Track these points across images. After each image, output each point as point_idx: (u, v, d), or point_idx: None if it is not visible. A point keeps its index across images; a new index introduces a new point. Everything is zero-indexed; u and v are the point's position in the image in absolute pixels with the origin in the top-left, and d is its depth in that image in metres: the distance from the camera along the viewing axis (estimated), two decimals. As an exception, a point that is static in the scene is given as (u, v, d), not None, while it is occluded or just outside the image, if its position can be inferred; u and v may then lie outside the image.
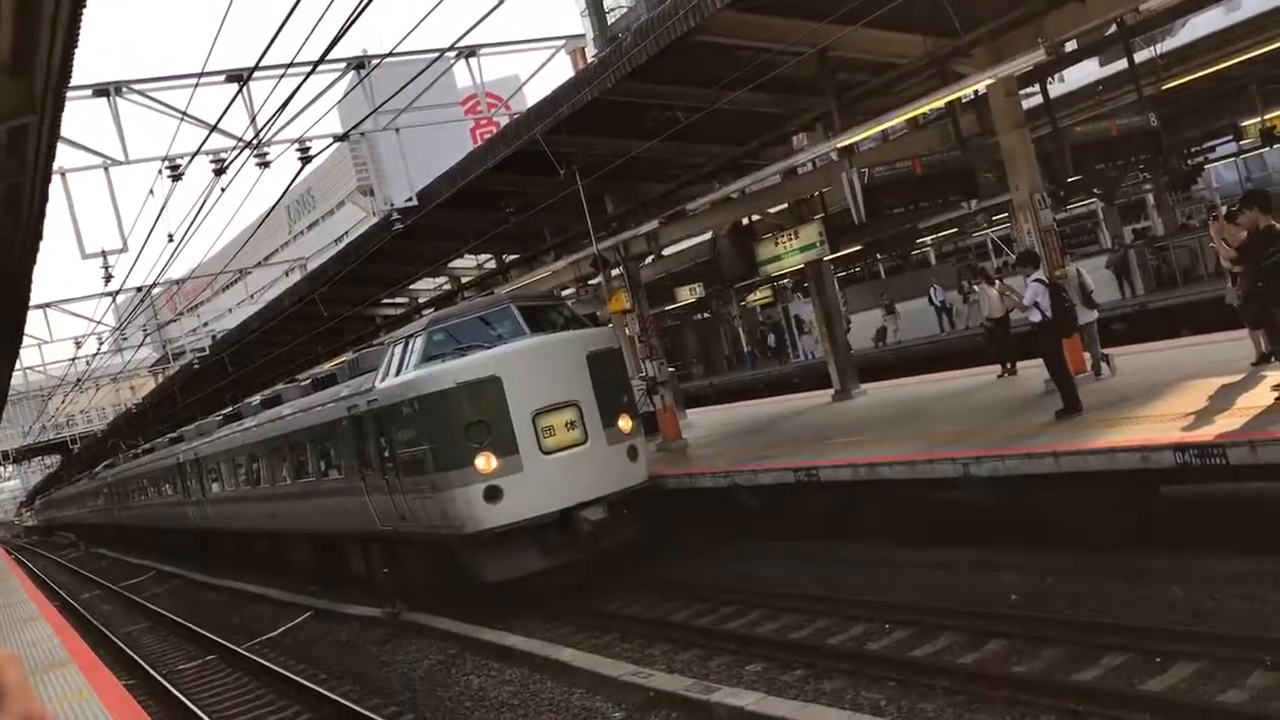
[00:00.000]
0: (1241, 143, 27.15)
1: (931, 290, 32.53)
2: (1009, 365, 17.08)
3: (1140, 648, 8.24)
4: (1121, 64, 17.69)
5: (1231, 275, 11.60)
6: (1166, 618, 8.76)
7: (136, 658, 17.45)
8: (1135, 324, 23.10)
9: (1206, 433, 9.23)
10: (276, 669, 14.36)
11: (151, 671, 15.99)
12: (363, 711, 11.22)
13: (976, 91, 14.39)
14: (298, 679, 13.48)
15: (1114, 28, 14.73)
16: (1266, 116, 22.91)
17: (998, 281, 17.91)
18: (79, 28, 7.87)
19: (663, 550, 15.48)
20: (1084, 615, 9.24)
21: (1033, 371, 14.36)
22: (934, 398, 17.30)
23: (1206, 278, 24.19)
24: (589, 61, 19.96)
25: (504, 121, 19.65)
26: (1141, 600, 9.29)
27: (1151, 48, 18.27)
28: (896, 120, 14.22)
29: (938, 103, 13.80)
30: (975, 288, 17.81)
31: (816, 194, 17.93)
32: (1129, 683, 7.76)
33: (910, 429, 14.03)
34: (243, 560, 26.40)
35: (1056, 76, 19.36)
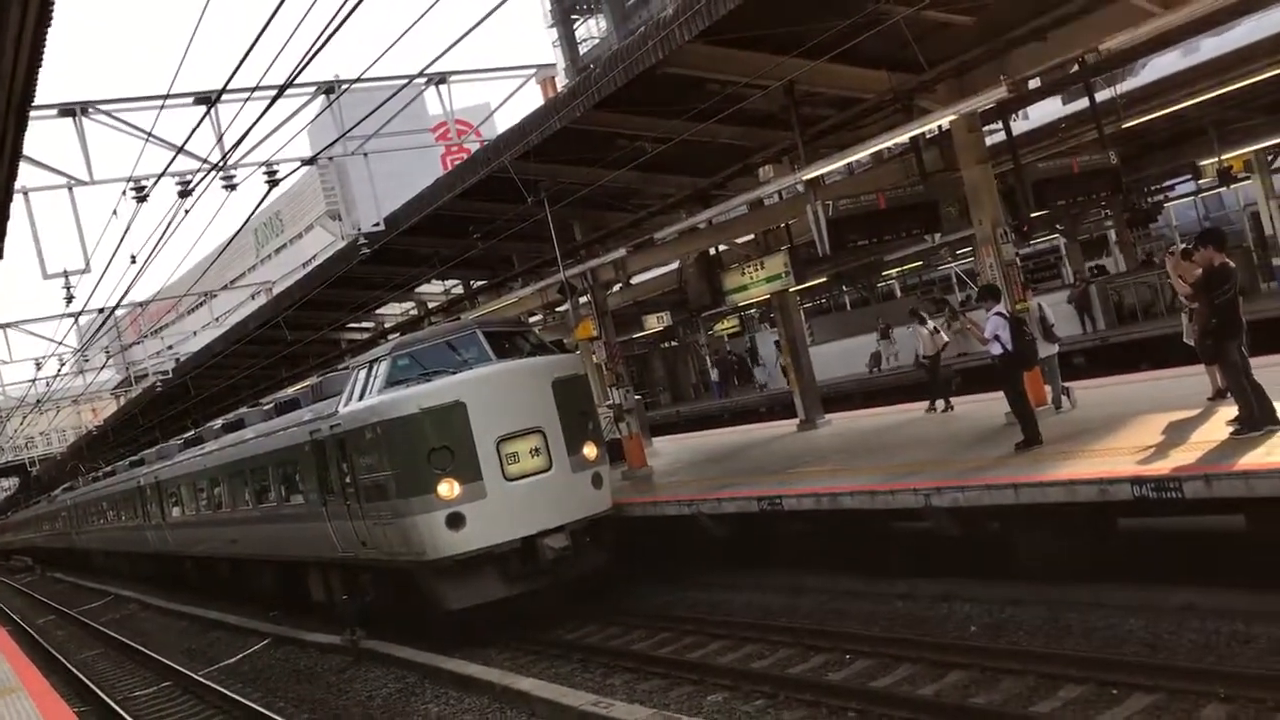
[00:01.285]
0: (1200, 182, 27.64)
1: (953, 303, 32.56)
2: (946, 403, 17.95)
3: (1097, 679, 8.30)
4: (1083, 102, 17.98)
5: (1188, 311, 11.79)
6: (1122, 650, 8.84)
7: (90, 683, 17.15)
8: (1095, 358, 23.40)
9: (1163, 466, 9.35)
10: (233, 696, 14.17)
11: (105, 698, 15.72)
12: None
13: (940, 127, 14.55)
14: (254, 707, 13.30)
15: (1075, 67, 14.97)
16: (1223, 157, 23.33)
17: (962, 316, 18.18)
18: (43, 47, 7.83)
19: (626, 579, 15.44)
20: (1042, 647, 9.31)
21: (993, 405, 14.48)
22: (897, 428, 17.42)
23: (1165, 314, 24.54)
24: (559, 91, 20.08)
25: (475, 148, 19.70)
26: (1098, 632, 9.38)
27: (1112, 88, 18.58)
28: (861, 154, 14.37)
29: (902, 137, 13.96)
30: (909, 328, 18.55)
31: (783, 225, 18.08)
32: (1085, 715, 7.82)
33: (873, 459, 14.11)
34: (203, 585, 26.07)
35: (1020, 113, 19.62)
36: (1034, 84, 15.60)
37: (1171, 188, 31.10)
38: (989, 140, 15.30)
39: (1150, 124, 19.43)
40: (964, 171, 14.32)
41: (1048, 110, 22.91)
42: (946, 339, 18.89)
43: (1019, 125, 19.03)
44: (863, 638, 10.72)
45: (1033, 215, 14.99)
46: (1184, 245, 11.80)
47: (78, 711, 12.95)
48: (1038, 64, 13.19)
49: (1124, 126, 18.05)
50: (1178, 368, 15.27)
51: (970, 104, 12.50)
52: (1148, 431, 11.12)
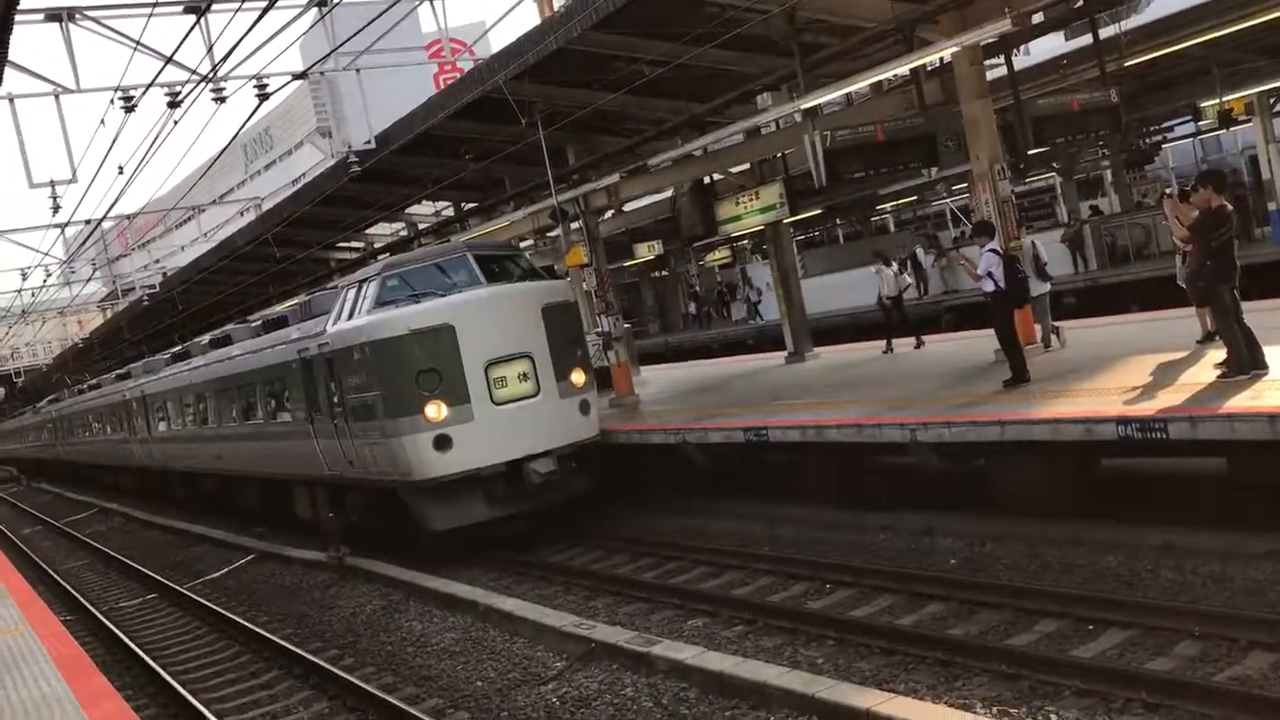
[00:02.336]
0: (1200, 124, 27.42)
1: (916, 251, 32.37)
2: (917, 340, 18.52)
3: (1073, 615, 8.41)
4: (1086, 39, 17.74)
5: (1182, 254, 11.74)
6: (1100, 586, 8.95)
7: (75, 594, 17.29)
8: (1086, 299, 23.41)
9: (1149, 407, 9.38)
10: (218, 609, 14.30)
11: (90, 608, 15.86)
12: (303, 653, 11.22)
13: (941, 59, 14.40)
14: (239, 620, 13.43)
15: (1080, 1, 14.74)
16: (1225, 99, 23.11)
17: (954, 251, 18.19)
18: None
19: (610, 505, 15.55)
20: (1021, 581, 9.42)
21: (983, 342, 14.50)
22: (885, 361, 17.46)
23: (1158, 255, 24.52)
24: (556, 10, 19.70)
25: (468, 68, 19.40)
26: (1076, 569, 9.49)
27: (1116, 24, 18.31)
28: (860, 84, 14.22)
29: (902, 69, 13.79)
30: (874, 268, 19.38)
31: (779, 155, 17.89)
32: (1060, 649, 7.93)
33: (860, 393, 14.14)
34: (188, 500, 26.19)
35: (1021, 49, 19.36)
36: (1037, 18, 15.37)
37: (1170, 129, 30.87)
38: (990, 75, 15.11)
39: (1153, 62, 19.19)
40: (964, 106, 14.17)
41: (1049, 46, 22.62)
42: (910, 281, 19.90)
43: (1020, 60, 18.77)
44: (843, 568, 10.82)
45: (1031, 152, 14.87)
46: (1182, 187, 11.71)
47: (64, 620, 13.08)
48: (1042, -3, 12.98)
49: (1126, 64, 17.81)
50: (1168, 310, 15.29)
51: (973, 36, 12.33)
52: (1136, 372, 11.15)
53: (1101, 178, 35.18)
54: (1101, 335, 15.02)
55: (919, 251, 32.18)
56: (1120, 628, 8.03)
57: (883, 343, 18.88)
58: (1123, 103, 16.28)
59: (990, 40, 13.39)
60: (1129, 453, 10.27)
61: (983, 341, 14.73)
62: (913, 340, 18.56)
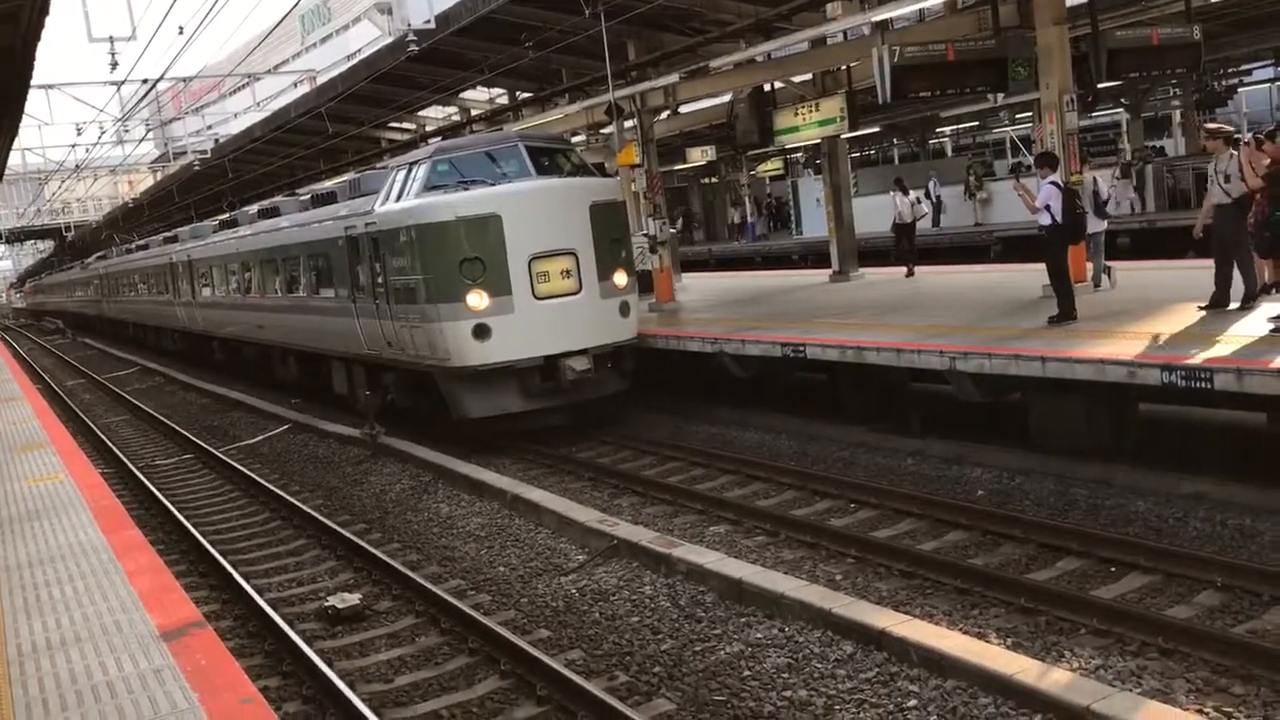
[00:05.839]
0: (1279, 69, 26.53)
1: (930, 184, 31.93)
2: (908, 269, 19.42)
3: (1096, 555, 8.42)
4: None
5: (1235, 203, 11.35)
6: (1126, 529, 8.94)
7: (114, 447, 17.70)
8: (1141, 240, 22.96)
9: (1195, 356, 9.25)
10: (251, 475, 14.60)
11: (127, 462, 16.23)
12: (331, 524, 11.46)
13: (1022, -20, 13.94)
14: (270, 486, 13.72)
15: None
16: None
17: (1013, 179, 17.86)
18: None
19: (642, 408, 15.63)
20: (1046, 517, 9.42)
21: (1033, 276, 14.29)
22: (930, 289, 17.28)
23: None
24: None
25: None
26: (1104, 510, 9.47)
27: (1208, -43, 17.63)
28: (936, 0, 13.80)
29: (980, -13, 13.40)
30: (892, 194, 20.43)
31: (843, 68, 17.51)
32: (1080, 587, 7.95)
33: (903, 317, 14.02)
34: (227, 366, 26.59)
35: (1104, -24, 18.71)
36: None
37: (1249, 72, 29.90)
38: (1068, 2, 14.63)
39: (1240, 1, 18.51)
40: (1039, 30, 13.75)
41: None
42: (926, 210, 21.11)
43: (1102, -12, 18.14)
44: (869, 489, 10.85)
45: (1102, 85, 14.45)
46: (1256, 134, 11.34)
47: (101, 472, 13.39)
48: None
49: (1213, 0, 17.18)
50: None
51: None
52: (1184, 319, 10.98)
53: (1169, 117, 34.25)
54: (1154, 279, 14.77)
55: (933, 183, 31.83)
56: (1143, 572, 8.03)
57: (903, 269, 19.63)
58: (1204, 40, 15.75)
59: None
60: (1170, 400, 10.16)
61: (1031, 275, 14.50)
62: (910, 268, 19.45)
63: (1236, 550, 8.24)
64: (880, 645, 7.02)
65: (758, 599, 8.04)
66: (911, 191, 20.19)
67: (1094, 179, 14.46)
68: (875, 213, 29.94)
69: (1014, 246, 24.75)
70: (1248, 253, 10.86)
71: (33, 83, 15.47)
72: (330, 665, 7.63)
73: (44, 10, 11.38)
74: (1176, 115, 32.73)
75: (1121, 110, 31.27)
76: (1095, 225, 13.80)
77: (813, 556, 9.33)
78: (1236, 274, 11.10)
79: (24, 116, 19.08)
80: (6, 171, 29.04)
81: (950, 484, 10.89)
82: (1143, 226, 24.21)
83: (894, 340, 12.21)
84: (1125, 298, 13.16)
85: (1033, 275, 14.33)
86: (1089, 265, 14.13)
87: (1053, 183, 12.15)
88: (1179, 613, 7.31)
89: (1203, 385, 8.92)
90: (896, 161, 42.52)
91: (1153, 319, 11.29)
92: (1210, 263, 11.42)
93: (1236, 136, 13.29)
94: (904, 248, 20.07)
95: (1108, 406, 10.34)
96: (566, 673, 7.05)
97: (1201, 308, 11.21)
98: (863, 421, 13.17)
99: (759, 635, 7.60)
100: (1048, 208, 11.98)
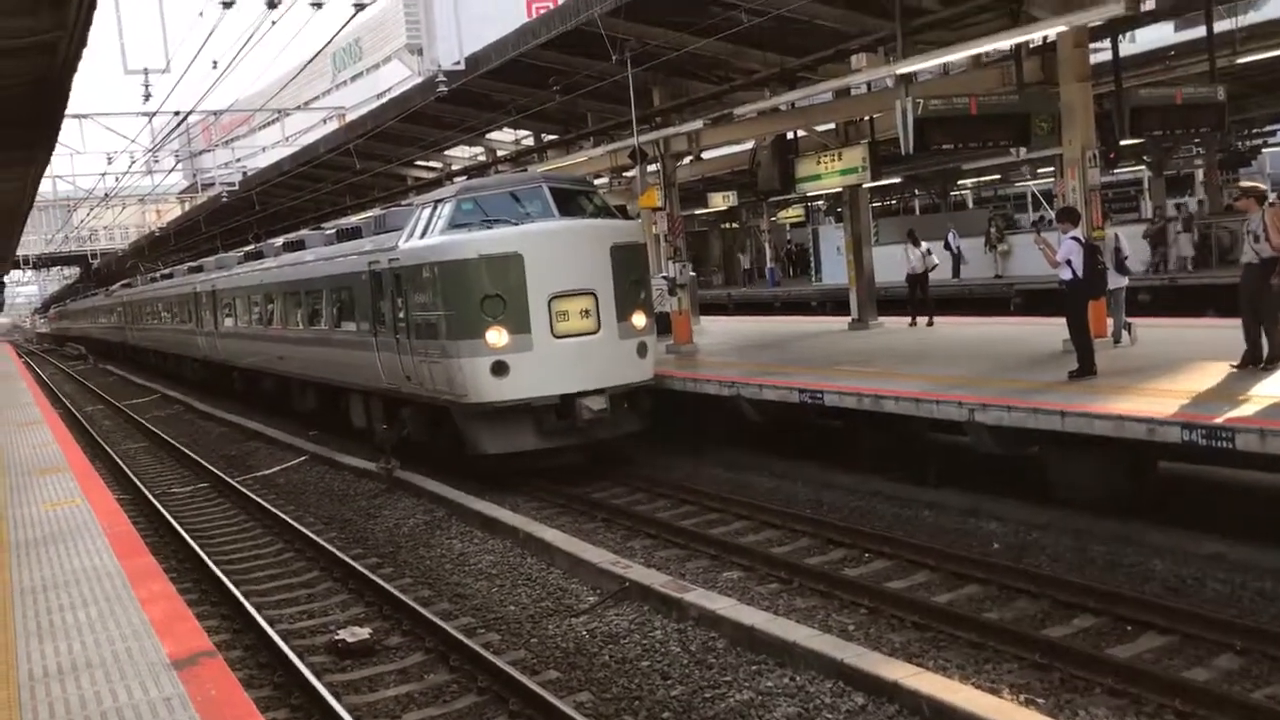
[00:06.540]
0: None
1: (949, 235, 31.97)
2: (928, 319, 19.60)
3: (1113, 613, 8.33)
4: (1197, 31, 17.19)
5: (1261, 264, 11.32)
6: (1143, 588, 8.85)
7: (131, 474, 17.77)
8: (1161, 299, 22.93)
9: (1217, 415, 9.20)
10: (266, 505, 14.63)
11: (143, 489, 16.29)
12: (344, 558, 11.46)
13: (1045, 37, 14.03)
14: (285, 518, 13.73)
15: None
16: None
17: (1034, 234, 17.92)
18: None
19: (657, 450, 15.62)
20: (1063, 574, 9.33)
21: (1053, 330, 14.27)
22: (949, 340, 17.26)
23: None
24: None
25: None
26: (1121, 568, 9.38)
27: (1233, 18, 17.71)
28: (960, 55, 13.91)
29: (1004, 43, 13.49)
30: (904, 247, 20.49)
31: (866, 118, 17.64)
32: (1096, 645, 7.87)
33: (921, 367, 14.01)
34: (247, 396, 26.70)
35: (1127, 36, 18.83)
36: (1149, 4, 14.92)
37: (1273, 133, 29.94)
38: (1093, 59, 14.71)
39: (1265, 62, 18.56)
40: (1063, 87, 13.82)
41: (1156, 35, 21.97)
42: (936, 261, 20.92)
43: (1125, 47, 18.27)
44: (884, 539, 10.78)
45: (1125, 143, 14.50)
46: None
47: (117, 498, 13.45)
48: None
49: (1238, 61, 17.24)
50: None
51: (1082, 17, 12.03)
52: (1206, 377, 10.94)
53: (1192, 176, 34.27)
54: (1175, 336, 14.73)
55: (952, 235, 31.88)
56: (1159, 632, 7.95)
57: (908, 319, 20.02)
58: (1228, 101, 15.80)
59: (1097, 23, 13.02)
60: (1190, 459, 10.11)
61: (1052, 330, 14.48)
62: (916, 319, 19.74)
63: (1257, 614, 8.13)
64: (893, 698, 6.96)
65: (769, 647, 7.98)
66: (924, 243, 20.42)
67: (1116, 235, 14.47)
68: (895, 262, 30.02)
69: (1034, 299, 24.75)
70: (1273, 312, 10.83)
71: (67, 112, 15.68)
72: (339, 699, 7.60)
73: (82, 42, 11.54)
74: (1199, 174, 32.75)
75: (1144, 168, 31.31)
76: (1116, 281, 13.80)
77: (826, 605, 9.27)
78: None
79: (57, 145, 19.29)
80: (37, 199, 29.36)
81: (966, 536, 10.81)
82: (1164, 285, 24.16)
83: (913, 390, 12.19)
84: (1146, 354, 13.12)
85: (1053, 329, 14.31)
86: (1109, 321, 14.11)
87: (1074, 238, 12.16)
88: (1197, 675, 7.22)
89: (1224, 445, 8.87)
90: (918, 212, 42.66)
91: (1173, 376, 11.25)
92: (1233, 321, 11.38)
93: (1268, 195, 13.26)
94: (917, 297, 20.27)
95: (1126, 463, 10.28)
96: (576, 715, 7.00)
97: (1234, 366, 11.14)
98: (879, 470, 13.12)
99: (770, 684, 7.54)
100: (1069, 262, 11.99)
